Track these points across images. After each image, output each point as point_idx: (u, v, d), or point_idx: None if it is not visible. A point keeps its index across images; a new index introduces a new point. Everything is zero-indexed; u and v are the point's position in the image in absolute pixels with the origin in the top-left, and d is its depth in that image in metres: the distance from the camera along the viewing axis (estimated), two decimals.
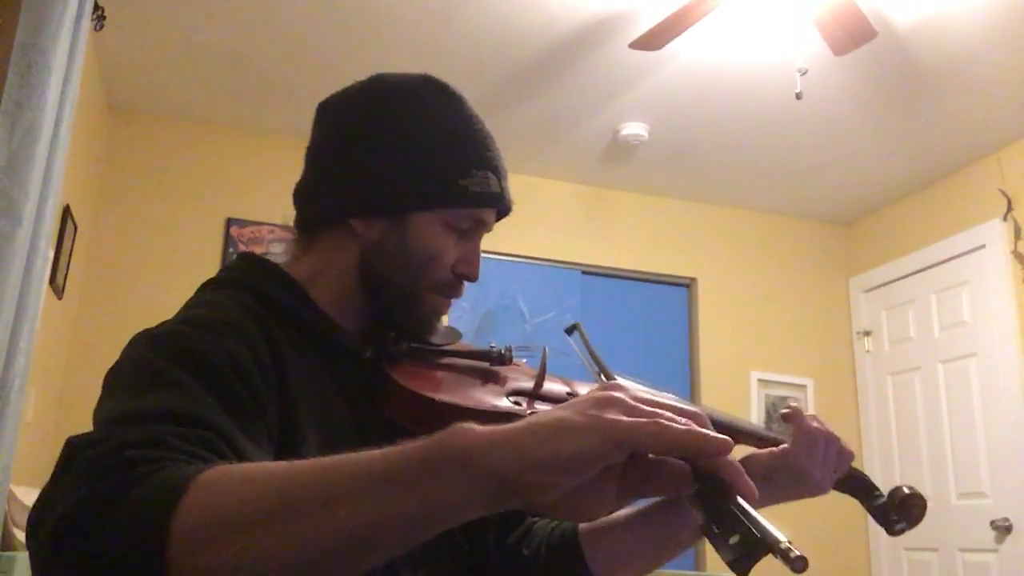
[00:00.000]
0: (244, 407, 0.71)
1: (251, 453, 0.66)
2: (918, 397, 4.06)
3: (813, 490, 0.96)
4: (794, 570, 0.49)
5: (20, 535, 2.41)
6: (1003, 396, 3.61)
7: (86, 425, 0.71)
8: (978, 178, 3.84)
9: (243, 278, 0.89)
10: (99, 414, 0.68)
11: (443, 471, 0.51)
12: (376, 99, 0.94)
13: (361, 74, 1.01)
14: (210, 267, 3.68)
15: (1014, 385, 3.56)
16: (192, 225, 3.71)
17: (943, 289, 4.00)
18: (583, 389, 0.93)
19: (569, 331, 0.97)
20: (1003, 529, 3.51)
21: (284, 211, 3.91)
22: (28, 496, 2.50)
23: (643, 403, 0.56)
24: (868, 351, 4.39)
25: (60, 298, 3.07)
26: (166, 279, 3.62)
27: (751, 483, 0.56)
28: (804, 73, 2.78)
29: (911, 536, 3.70)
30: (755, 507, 0.98)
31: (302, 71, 3.36)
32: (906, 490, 1.01)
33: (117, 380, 0.73)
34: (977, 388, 3.75)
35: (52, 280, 2.87)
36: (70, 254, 3.13)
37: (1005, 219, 3.67)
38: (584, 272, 4.15)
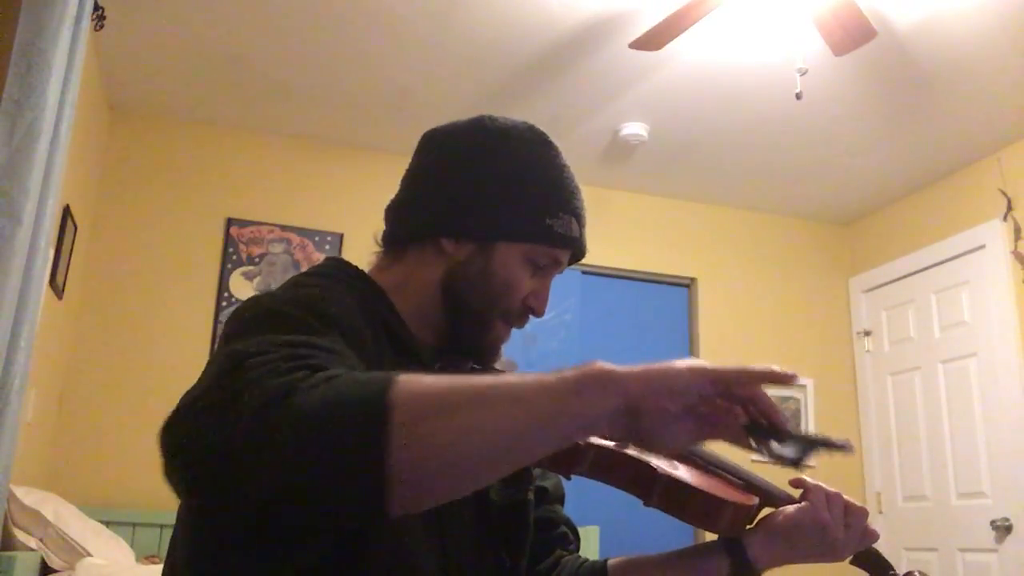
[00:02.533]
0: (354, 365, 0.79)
1: None
2: (918, 397, 4.06)
3: (832, 551, 1.02)
4: (846, 451, 0.70)
5: (20, 535, 2.41)
6: (1003, 396, 3.61)
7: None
8: (978, 178, 3.84)
9: (340, 276, 0.96)
10: (240, 346, 0.71)
11: (588, 388, 0.65)
12: (481, 134, 1.02)
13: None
14: (210, 267, 3.69)
15: (1014, 385, 3.56)
16: (192, 225, 3.71)
17: (943, 289, 4.00)
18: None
19: None
20: (1003, 529, 3.51)
21: (284, 211, 3.93)
22: (28, 496, 2.50)
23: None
24: (868, 351, 4.39)
25: (60, 298, 3.07)
26: (166, 279, 3.62)
27: (788, 374, 0.73)
28: (804, 73, 2.77)
29: (911, 536, 3.71)
30: (776, 566, 1.03)
31: (302, 71, 3.36)
32: (917, 574, 1.05)
33: (250, 324, 0.78)
34: (977, 388, 3.75)
35: (52, 280, 2.87)
36: (70, 254, 3.13)
37: (1005, 219, 3.67)
38: (584, 272, 4.15)
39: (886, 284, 4.34)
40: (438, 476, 0.61)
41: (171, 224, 3.68)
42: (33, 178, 1.90)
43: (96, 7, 2.52)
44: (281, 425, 0.59)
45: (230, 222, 3.75)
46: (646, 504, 0.91)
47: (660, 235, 4.36)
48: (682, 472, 0.97)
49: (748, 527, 1.01)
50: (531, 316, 1.02)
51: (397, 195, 1.05)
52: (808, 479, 1.04)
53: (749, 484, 1.03)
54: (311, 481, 0.59)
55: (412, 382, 0.62)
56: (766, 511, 1.05)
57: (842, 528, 1.00)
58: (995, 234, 3.71)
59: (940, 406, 3.93)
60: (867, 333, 4.40)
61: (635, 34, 2.86)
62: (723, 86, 3.35)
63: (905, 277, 4.22)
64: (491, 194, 0.98)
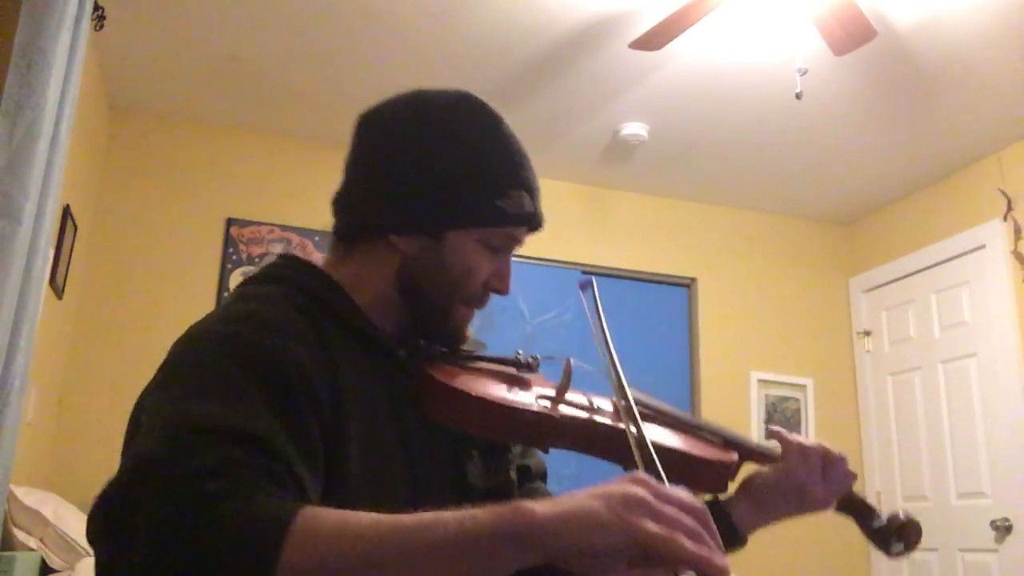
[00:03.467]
0: (306, 426, 0.76)
1: (308, 482, 0.73)
2: (918, 397, 4.06)
3: (814, 505, 1.03)
4: None
5: (20, 535, 2.41)
6: (1003, 396, 3.61)
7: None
8: (978, 178, 3.84)
9: (291, 276, 0.93)
10: (164, 406, 0.72)
11: (507, 546, 0.62)
12: (415, 117, 0.96)
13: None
14: (210, 267, 3.69)
15: (1014, 385, 3.56)
16: (192, 225, 3.71)
17: (943, 289, 4.00)
18: (601, 402, 0.98)
19: (583, 287, 1.01)
20: (1003, 529, 3.51)
21: (284, 211, 3.93)
22: (28, 496, 2.50)
23: (664, 501, 0.64)
24: (868, 351, 4.39)
25: (60, 298, 3.07)
26: (166, 279, 3.62)
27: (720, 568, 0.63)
28: (804, 73, 2.78)
29: None
30: (762, 527, 1.03)
31: (302, 71, 3.35)
32: (902, 516, 1.07)
33: (182, 372, 0.77)
34: (977, 388, 3.75)
35: (52, 280, 2.87)
36: (70, 254, 3.13)
37: (1005, 219, 3.67)
38: (584, 272, 4.15)
39: (886, 284, 4.34)
40: None
41: (171, 224, 3.68)
42: (33, 178, 1.90)
43: (96, 7, 2.52)
44: None
45: (230, 222, 3.75)
46: (627, 470, 0.90)
47: (660, 235, 4.36)
48: (661, 435, 0.98)
49: (731, 482, 1.02)
50: (496, 295, 0.99)
51: (341, 187, 1.01)
52: (785, 433, 1.04)
53: (727, 441, 1.03)
54: None
55: (304, 540, 0.60)
56: (749, 467, 1.06)
57: (821, 482, 1.02)
58: (995, 234, 3.71)
59: (940, 406, 3.93)
60: (867, 333, 4.40)
61: (635, 34, 2.86)
62: (723, 86, 3.35)
63: (905, 277, 4.21)
64: (434, 183, 0.93)
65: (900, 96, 3.38)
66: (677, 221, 4.41)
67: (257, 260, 3.74)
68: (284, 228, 3.80)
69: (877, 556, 4.09)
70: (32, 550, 2.40)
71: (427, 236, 0.94)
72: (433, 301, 0.95)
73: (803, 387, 4.32)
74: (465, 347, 1.01)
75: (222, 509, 0.61)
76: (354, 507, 0.80)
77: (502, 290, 0.98)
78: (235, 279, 3.70)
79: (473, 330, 1.03)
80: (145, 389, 0.80)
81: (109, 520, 0.64)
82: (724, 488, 1.01)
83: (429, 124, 0.95)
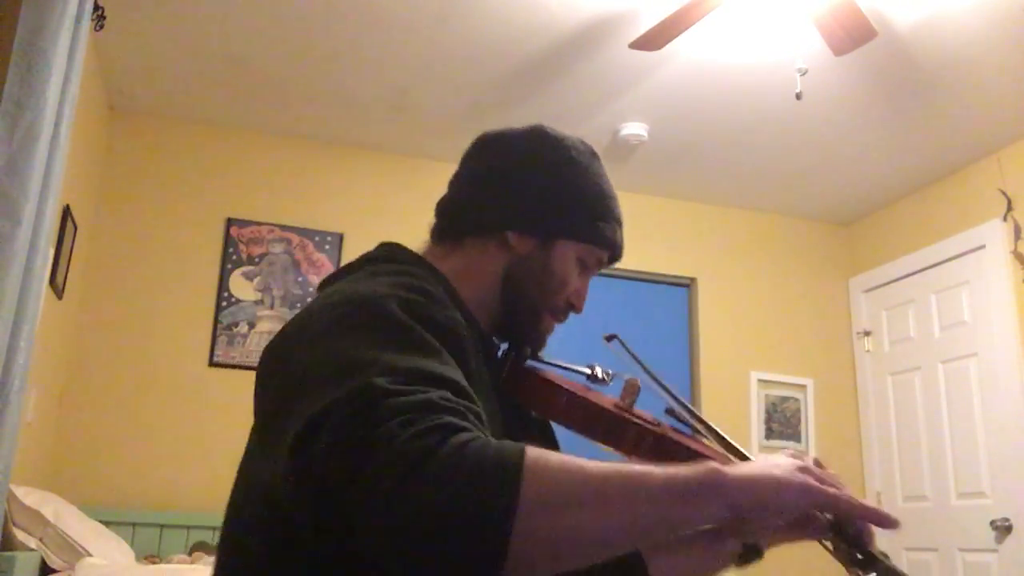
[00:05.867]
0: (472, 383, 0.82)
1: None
2: (918, 397, 4.06)
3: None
4: None
5: (20, 535, 2.41)
6: (1003, 396, 3.61)
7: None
8: (978, 178, 3.84)
9: (407, 261, 1.01)
10: (350, 352, 0.76)
11: (705, 497, 0.71)
12: (543, 140, 1.11)
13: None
14: (210, 267, 3.69)
15: (1014, 385, 3.56)
16: (192, 225, 3.71)
17: (943, 289, 4.00)
18: (661, 417, 1.10)
19: (608, 339, 1.14)
20: (1003, 529, 3.51)
21: (284, 211, 3.92)
22: (28, 496, 2.50)
23: (823, 473, 0.80)
24: (868, 351, 4.39)
25: (60, 298, 3.07)
26: (166, 279, 3.62)
27: (892, 519, 0.79)
28: (804, 73, 2.78)
29: (911, 536, 3.70)
30: (775, 544, 1.11)
31: (302, 71, 3.36)
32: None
33: (363, 326, 0.80)
34: (977, 388, 3.75)
35: (52, 280, 2.87)
36: (70, 254, 3.13)
37: (1005, 219, 3.67)
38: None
39: (886, 284, 4.34)
40: (548, 563, 0.66)
41: (171, 224, 3.68)
42: (33, 178, 1.90)
43: (96, 7, 2.52)
44: (410, 512, 0.63)
45: (230, 222, 3.75)
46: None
47: (660, 235, 4.36)
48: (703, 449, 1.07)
49: None
50: (571, 312, 1.11)
51: (455, 192, 1.11)
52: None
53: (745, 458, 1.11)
54: (430, 560, 0.63)
55: (540, 472, 0.65)
56: None
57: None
58: (995, 234, 3.71)
59: (940, 406, 3.93)
60: (867, 333, 4.40)
61: (635, 34, 2.86)
62: (723, 86, 3.35)
63: (905, 277, 4.21)
64: (556, 195, 1.06)
65: (900, 96, 3.38)
66: (677, 221, 4.41)
67: (257, 260, 3.74)
68: (284, 228, 3.80)
69: None
70: (32, 550, 2.40)
71: (540, 239, 1.05)
72: (529, 303, 1.06)
73: (803, 387, 4.32)
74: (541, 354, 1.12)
75: (463, 438, 0.65)
76: None
77: (578, 307, 1.11)
78: (235, 279, 3.70)
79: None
80: (290, 341, 0.84)
81: (338, 439, 0.66)
82: None
83: (553, 147, 1.10)
